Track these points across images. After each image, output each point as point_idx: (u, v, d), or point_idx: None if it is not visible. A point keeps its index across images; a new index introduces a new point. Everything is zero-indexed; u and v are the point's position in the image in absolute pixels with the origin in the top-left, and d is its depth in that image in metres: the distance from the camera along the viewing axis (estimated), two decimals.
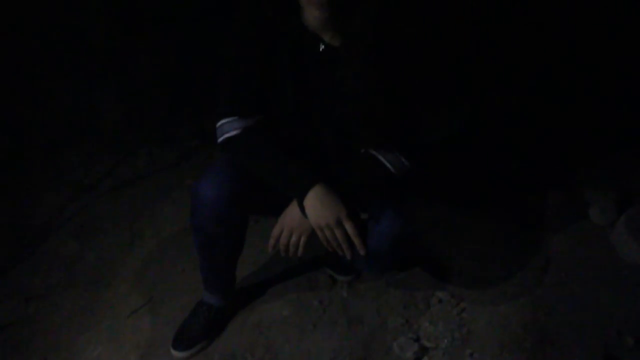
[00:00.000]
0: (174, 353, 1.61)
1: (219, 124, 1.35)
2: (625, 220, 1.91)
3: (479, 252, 1.94)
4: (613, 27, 2.76)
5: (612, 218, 2.00)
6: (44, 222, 2.14)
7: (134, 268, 1.94)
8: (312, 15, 1.23)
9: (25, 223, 2.15)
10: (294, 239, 1.34)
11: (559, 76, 2.73)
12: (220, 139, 1.36)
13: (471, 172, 2.25)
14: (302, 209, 1.29)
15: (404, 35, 1.26)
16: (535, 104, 2.61)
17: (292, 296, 1.80)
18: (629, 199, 2.07)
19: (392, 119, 1.29)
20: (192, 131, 2.55)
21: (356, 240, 1.30)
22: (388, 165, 1.32)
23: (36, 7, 2.51)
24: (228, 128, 1.33)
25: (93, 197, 2.23)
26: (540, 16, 2.80)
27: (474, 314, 1.73)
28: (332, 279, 1.84)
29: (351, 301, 1.78)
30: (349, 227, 1.28)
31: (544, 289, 1.79)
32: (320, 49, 1.29)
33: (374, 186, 1.35)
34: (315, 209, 1.27)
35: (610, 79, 2.65)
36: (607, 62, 2.73)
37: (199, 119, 2.57)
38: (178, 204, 2.17)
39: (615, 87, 2.62)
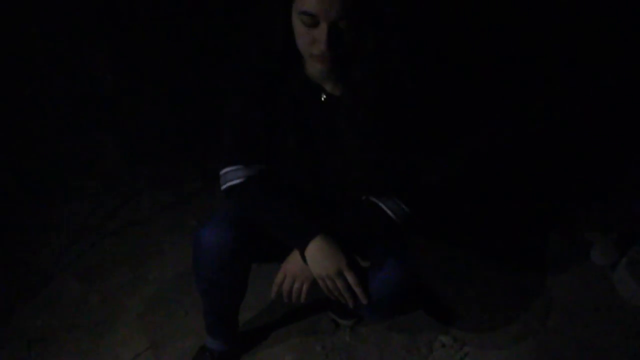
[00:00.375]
0: None
1: (222, 171, 1.38)
2: (626, 262, 1.92)
3: (481, 295, 1.94)
4: (610, 70, 2.81)
5: (613, 259, 2.01)
6: (47, 263, 2.15)
7: (137, 311, 1.94)
8: (314, 67, 1.27)
9: (28, 264, 2.15)
10: (296, 285, 1.35)
11: (557, 115, 2.76)
12: (223, 187, 1.38)
13: (472, 214, 2.27)
14: (303, 258, 1.31)
15: (403, 85, 1.29)
16: (534, 144, 2.64)
17: (295, 341, 1.80)
18: (629, 239, 2.07)
19: (392, 167, 1.31)
20: (194, 173, 2.58)
21: (357, 290, 1.31)
22: (389, 212, 1.34)
23: (43, 50, 2.56)
24: (232, 176, 1.35)
25: (96, 239, 2.24)
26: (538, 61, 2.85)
27: (477, 358, 1.72)
28: (334, 323, 1.84)
29: (354, 345, 1.78)
30: (350, 277, 1.30)
31: (548, 333, 1.79)
32: (322, 99, 1.32)
33: (375, 233, 1.36)
34: (316, 259, 1.28)
35: (608, 120, 2.69)
36: (606, 100, 2.76)
37: (201, 161, 2.60)
38: (181, 245, 2.18)
39: (614, 127, 2.65)
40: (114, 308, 1.96)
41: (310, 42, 1.17)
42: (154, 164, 2.62)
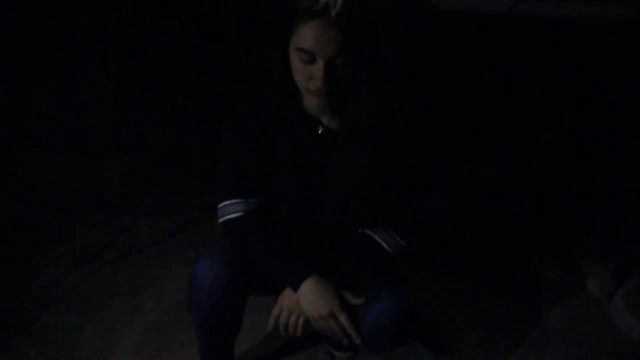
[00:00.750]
0: None
1: (220, 205, 1.39)
2: (623, 294, 1.92)
3: (478, 327, 1.94)
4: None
5: (610, 290, 2.02)
6: (43, 293, 2.14)
7: (133, 342, 1.93)
8: (310, 101, 1.29)
9: (24, 294, 2.15)
10: (293, 319, 1.36)
11: (553, 148, 2.79)
12: (221, 220, 1.39)
13: (467, 245, 2.28)
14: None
15: (399, 120, 1.31)
16: (531, 174, 2.66)
17: None
18: (626, 269, 2.08)
19: (387, 200, 1.32)
20: (193, 202, 2.59)
21: (350, 331, 1.31)
22: (384, 245, 1.35)
23: (45, 81, 2.59)
24: (230, 210, 1.37)
25: (94, 269, 2.24)
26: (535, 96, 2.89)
27: None
28: (331, 356, 1.83)
29: None
30: (342, 319, 1.30)
31: None
32: (319, 132, 1.34)
33: (370, 266, 1.37)
34: (308, 300, 1.29)
35: (604, 151, 2.71)
36: (600, 132, 2.80)
37: (200, 190, 2.61)
38: (178, 276, 2.18)
39: (610, 157, 2.68)
40: (110, 339, 1.95)
41: (307, 77, 1.19)
42: (152, 193, 2.63)
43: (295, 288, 1.30)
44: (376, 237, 1.35)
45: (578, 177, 2.61)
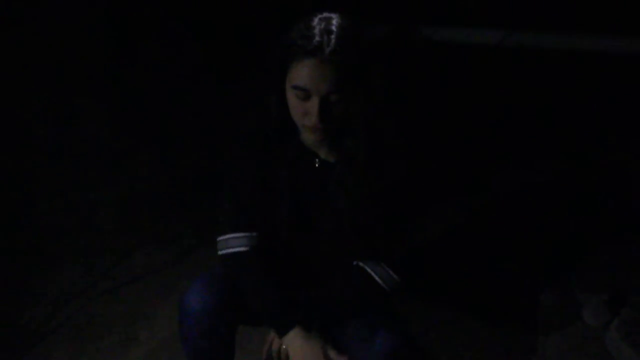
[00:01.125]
0: None
1: (221, 238, 1.40)
2: (618, 324, 1.92)
3: (475, 356, 1.93)
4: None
5: (605, 319, 2.01)
6: (37, 324, 2.13)
7: None
8: (307, 136, 1.31)
9: (18, 325, 2.14)
10: (284, 346, 1.36)
11: (548, 177, 2.82)
12: (221, 252, 1.40)
13: (462, 276, 2.28)
14: None
15: (393, 153, 1.33)
16: (525, 203, 2.68)
17: None
18: (621, 299, 2.08)
19: (381, 232, 1.34)
20: (188, 232, 2.59)
21: None
22: (378, 279, 1.36)
23: (42, 108, 2.61)
24: (231, 244, 1.38)
25: (89, 299, 2.24)
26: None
27: None
28: None
29: None
30: None
31: None
32: (316, 165, 1.36)
33: (363, 300, 1.38)
34: (295, 349, 1.30)
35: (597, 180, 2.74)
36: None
37: (194, 220, 2.62)
38: (173, 306, 2.14)
39: (605, 188, 2.70)
40: None
41: (303, 114, 1.22)
42: (148, 223, 2.64)
43: (282, 334, 1.32)
44: (369, 270, 1.36)
45: (573, 206, 2.63)
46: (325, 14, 1.21)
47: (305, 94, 1.19)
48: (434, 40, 3.10)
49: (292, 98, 1.22)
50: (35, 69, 2.59)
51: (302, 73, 1.17)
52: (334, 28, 1.17)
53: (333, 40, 1.15)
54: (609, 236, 2.47)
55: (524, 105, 2.90)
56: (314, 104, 1.19)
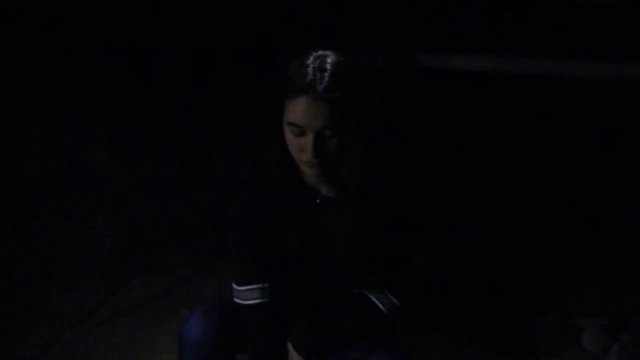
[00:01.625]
0: None
1: (235, 287, 1.41)
2: (617, 349, 1.92)
3: None
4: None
5: (604, 344, 2.01)
6: (35, 353, 2.12)
7: None
8: (306, 171, 1.31)
9: (16, 353, 2.12)
10: None
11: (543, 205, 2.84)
12: (235, 301, 1.41)
13: (460, 302, 2.28)
14: None
15: (388, 184, 1.35)
16: (520, 229, 2.69)
17: None
18: (620, 323, 2.08)
19: (380, 262, 1.35)
20: (186, 259, 2.60)
21: None
22: (379, 304, 1.36)
23: (40, 137, 2.62)
24: (245, 296, 1.38)
25: (87, 329, 2.23)
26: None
27: None
28: None
29: None
30: None
31: None
32: (317, 201, 1.38)
33: (365, 325, 1.38)
34: None
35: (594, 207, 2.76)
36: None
37: (193, 248, 2.63)
38: (172, 334, 2.16)
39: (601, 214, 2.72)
40: None
41: (299, 149, 1.23)
42: (146, 251, 2.64)
43: None
44: (372, 297, 1.37)
45: (570, 231, 2.64)
46: (321, 52, 1.24)
47: (300, 130, 1.21)
48: (430, 68, 3.14)
49: (288, 134, 1.24)
50: (31, 96, 2.60)
51: (296, 110, 1.19)
52: (328, 66, 1.19)
53: (326, 78, 1.17)
54: (606, 261, 2.48)
55: (516, 130, 2.93)
56: (308, 140, 1.20)
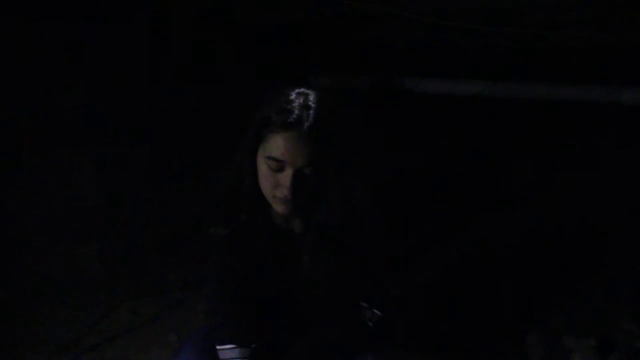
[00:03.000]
0: None
1: (218, 347, 1.35)
2: None
3: None
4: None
5: None
6: None
7: None
8: (276, 207, 1.28)
9: None
10: None
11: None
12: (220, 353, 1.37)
13: (451, 321, 2.28)
14: None
15: (365, 222, 1.34)
16: (509, 251, 2.71)
17: None
18: (610, 343, 2.09)
19: (358, 288, 1.36)
20: (175, 283, 2.58)
21: None
22: (363, 318, 1.36)
23: (28, 162, 2.61)
24: (227, 354, 1.33)
25: (75, 355, 2.20)
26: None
27: None
28: None
29: None
30: None
31: None
32: (290, 238, 1.36)
33: (351, 340, 1.38)
34: None
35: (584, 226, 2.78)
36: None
37: (180, 272, 2.62)
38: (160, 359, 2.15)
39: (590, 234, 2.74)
40: None
41: (274, 185, 1.22)
42: (133, 277, 2.63)
43: None
44: (355, 313, 1.37)
45: (559, 254, 2.66)
46: (303, 90, 1.24)
47: (279, 165, 1.20)
48: (417, 92, 3.18)
49: (264, 169, 1.22)
50: (20, 122, 2.60)
51: (278, 145, 1.18)
52: (311, 104, 1.20)
53: (312, 116, 1.18)
54: (595, 282, 2.50)
55: (505, 153, 2.97)
56: (286, 176, 1.20)
